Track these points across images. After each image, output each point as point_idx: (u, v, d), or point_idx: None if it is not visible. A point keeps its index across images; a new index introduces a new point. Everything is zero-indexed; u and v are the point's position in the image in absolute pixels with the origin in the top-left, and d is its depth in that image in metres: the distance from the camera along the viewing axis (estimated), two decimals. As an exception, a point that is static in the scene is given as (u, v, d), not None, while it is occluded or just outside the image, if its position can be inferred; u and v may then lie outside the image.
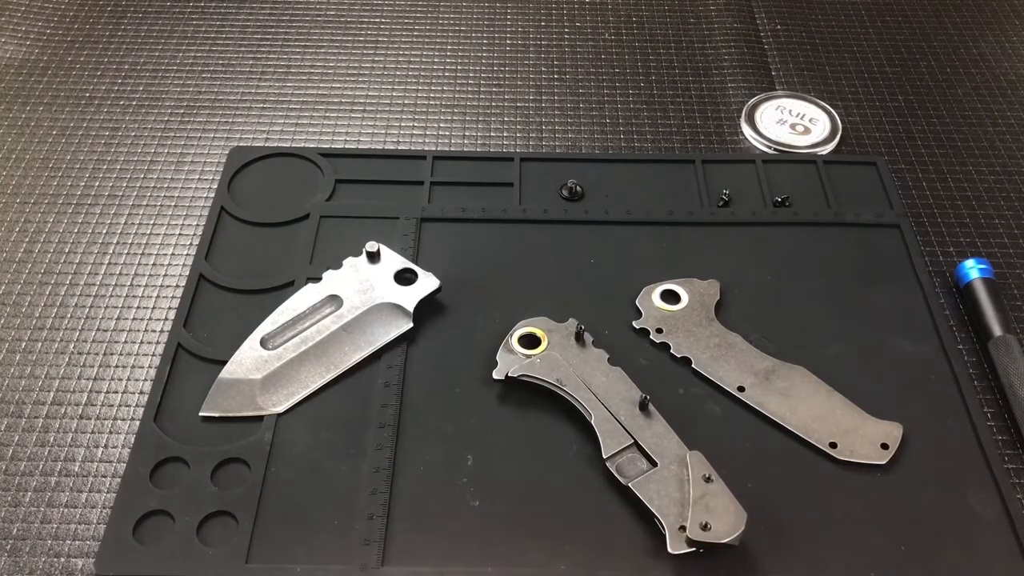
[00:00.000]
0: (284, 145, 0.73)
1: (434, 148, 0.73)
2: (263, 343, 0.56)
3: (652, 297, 0.60)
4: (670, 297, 0.61)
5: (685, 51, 0.84)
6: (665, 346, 0.58)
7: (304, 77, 0.80)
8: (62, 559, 0.49)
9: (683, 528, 0.47)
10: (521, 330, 0.57)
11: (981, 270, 0.62)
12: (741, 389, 0.55)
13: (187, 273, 0.62)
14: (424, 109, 0.77)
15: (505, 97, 0.78)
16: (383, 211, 0.66)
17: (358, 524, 0.49)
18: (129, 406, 0.56)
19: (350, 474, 0.51)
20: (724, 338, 0.58)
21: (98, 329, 0.60)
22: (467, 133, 0.75)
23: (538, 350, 0.56)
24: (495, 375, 0.55)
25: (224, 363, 0.56)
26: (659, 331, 0.59)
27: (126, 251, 0.65)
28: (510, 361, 0.55)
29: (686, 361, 0.57)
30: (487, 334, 0.58)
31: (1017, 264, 0.66)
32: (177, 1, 0.87)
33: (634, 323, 0.59)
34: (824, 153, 0.73)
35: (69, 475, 0.52)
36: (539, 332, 0.57)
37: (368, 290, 0.59)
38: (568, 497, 0.51)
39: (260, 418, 0.54)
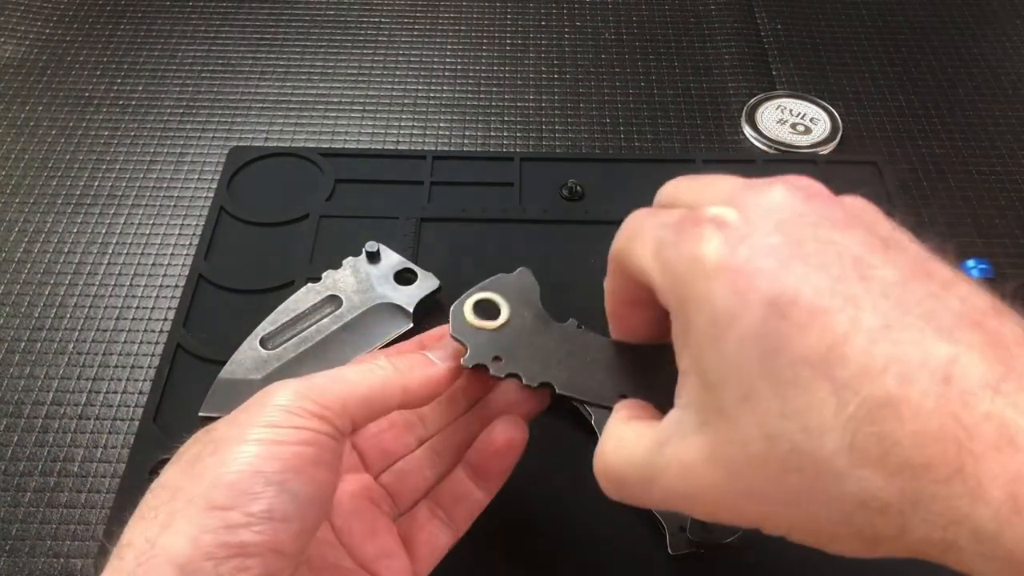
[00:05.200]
0: (284, 145, 0.73)
1: (434, 148, 0.73)
2: (263, 343, 0.56)
3: (652, 297, 0.60)
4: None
5: (685, 51, 0.84)
6: (665, 346, 0.58)
7: (304, 77, 0.80)
8: (61, 559, 0.49)
9: (683, 528, 0.47)
10: (521, 330, 0.57)
11: (981, 270, 0.62)
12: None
13: (187, 273, 0.62)
14: (424, 109, 0.77)
15: (505, 97, 0.78)
16: (383, 211, 0.66)
17: (358, 524, 0.49)
18: (129, 406, 0.56)
19: (350, 474, 0.51)
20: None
21: (98, 329, 0.60)
22: (467, 133, 0.75)
23: (538, 350, 0.56)
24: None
25: (224, 363, 0.55)
26: (659, 331, 0.58)
27: (126, 251, 0.65)
28: (510, 361, 0.55)
29: (686, 361, 0.57)
30: (487, 334, 0.58)
31: (1017, 264, 0.65)
32: (177, 1, 0.87)
33: (634, 323, 0.59)
34: (824, 153, 0.73)
35: (68, 475, 0.52)
36: (539, 332, 0.57)
37: (368, 290, 0.59)
38: (567, 497, 0.51)
39: (260, 418, 0.54)
